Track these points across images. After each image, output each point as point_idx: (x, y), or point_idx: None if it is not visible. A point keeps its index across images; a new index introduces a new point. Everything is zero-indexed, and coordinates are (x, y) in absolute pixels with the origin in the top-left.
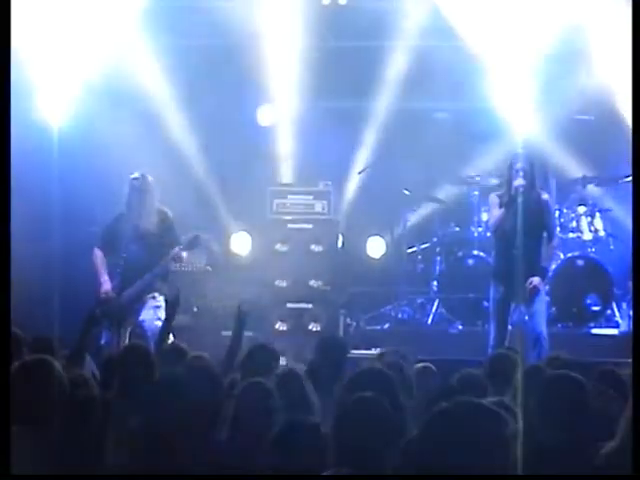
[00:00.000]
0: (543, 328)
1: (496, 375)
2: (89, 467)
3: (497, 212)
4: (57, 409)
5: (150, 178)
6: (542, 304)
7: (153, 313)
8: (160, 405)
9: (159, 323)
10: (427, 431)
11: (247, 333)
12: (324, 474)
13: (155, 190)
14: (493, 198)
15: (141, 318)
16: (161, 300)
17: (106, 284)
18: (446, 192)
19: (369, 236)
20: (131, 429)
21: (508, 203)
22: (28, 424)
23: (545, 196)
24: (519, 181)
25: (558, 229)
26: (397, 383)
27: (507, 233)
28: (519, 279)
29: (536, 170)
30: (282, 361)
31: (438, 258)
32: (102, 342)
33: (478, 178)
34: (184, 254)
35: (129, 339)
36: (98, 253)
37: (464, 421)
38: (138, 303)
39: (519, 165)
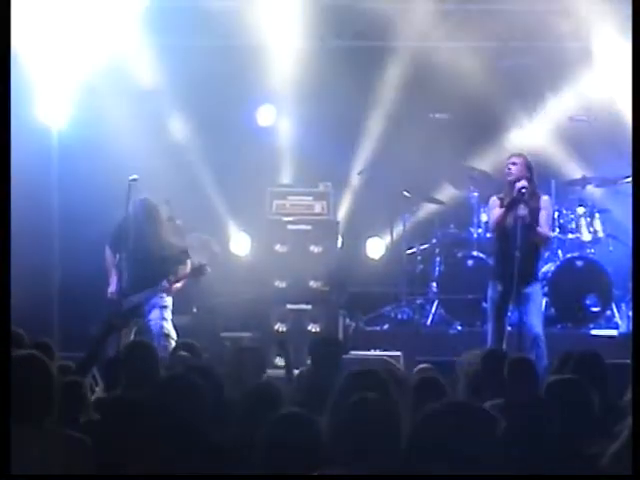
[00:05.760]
0: (539, 329)
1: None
2: (90, 467)
3: (497, 212)
4: (50, 406)
5: (150, 202)
6: (539, 305)
7: (159, 313)
8: (162, 405)
9: (164, 323)
10: (419, 432)
11: (246, 333)
12: (323, 474)
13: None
14: (494, 201)
15: (147, 317)
16: (168, 300)
17: (112, 285)
18: (446, 193)
19: (369, 237)
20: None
21: (510, 204)
22: (21, 421)
23: (545, 197)
24: (522, 183)
25: (557, 230)
26: (392, 384)
27: (507, 234)
28: (517, 279)
29: (535, 171)
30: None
31: (437, 259)
32: None
33: (477, 172)
34: (179, 284)
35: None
36: (108, 252)
37: (455, 421)
38: (144, 306)
39: (519, 166)
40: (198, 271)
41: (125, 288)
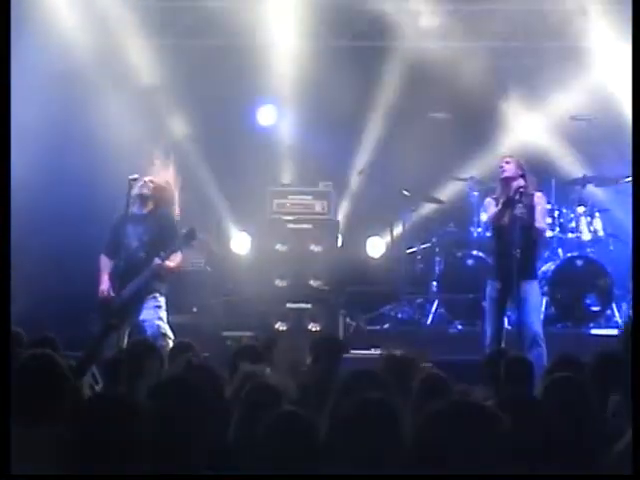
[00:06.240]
0: (538, 327)
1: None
2: (91, 467)
3: (493, 210)
4: (63, 405)
5: (153, 183)
6: (537, 303)
7: (154, 313)
8: (162, 404)
9: (160, 323)
10: (421, 431)
11: (246, 333)
12: (323, 474)
13: (158, 192)
14: (489, 202)
15: (142, 318)
16: (161, 300)
17: (104, 284)
18: (445, 192)
19: (369, 236)
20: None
21: (505, 202)
22: (31, 421)
23: (538, 194)
24: (520, 182)
25: (557, 229)
26: (392, 384)
27: (504, 232)
28: (515, 278)
29: (527, 170)
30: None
31: (437, 258)
32: None
33: (477, 178)
34: (173, 263)
35: (128, 339)
36: (103, 259)
37: (457, 420)
38: (137, 303)
39: (512, 165)
40: (189, 236)
41: (118, 283)
